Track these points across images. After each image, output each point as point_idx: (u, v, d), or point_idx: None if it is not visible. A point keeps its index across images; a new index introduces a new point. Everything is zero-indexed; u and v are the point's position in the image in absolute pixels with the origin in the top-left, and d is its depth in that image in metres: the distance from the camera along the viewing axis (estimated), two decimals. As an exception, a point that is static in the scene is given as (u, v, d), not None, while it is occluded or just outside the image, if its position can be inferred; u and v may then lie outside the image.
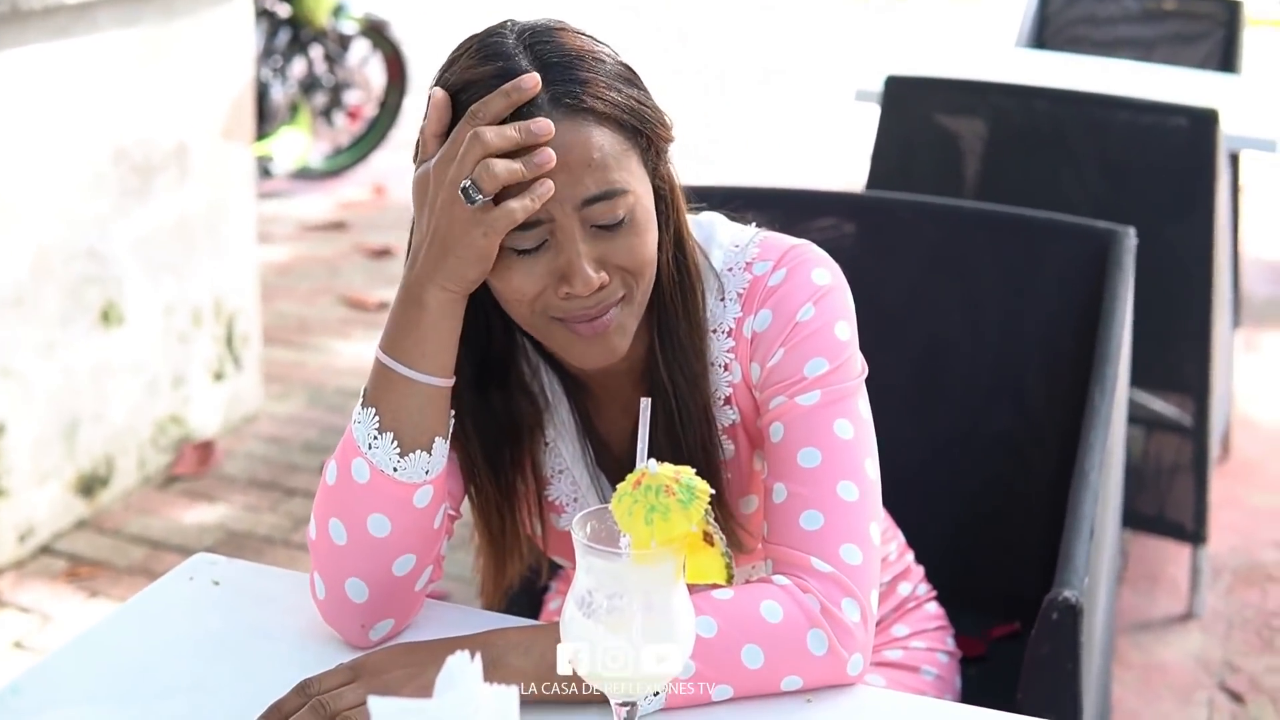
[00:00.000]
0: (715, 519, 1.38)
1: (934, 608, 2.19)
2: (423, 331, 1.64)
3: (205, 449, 4.54)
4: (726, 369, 1.78)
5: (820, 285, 1.75)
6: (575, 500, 1.87)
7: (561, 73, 1.60)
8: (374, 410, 1.65)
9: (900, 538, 2.15)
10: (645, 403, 1.50)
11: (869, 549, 1.67)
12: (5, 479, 3.85)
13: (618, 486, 1.36)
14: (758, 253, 1.78)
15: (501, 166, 1.55)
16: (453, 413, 1.70)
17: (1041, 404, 2.46)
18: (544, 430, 1.85)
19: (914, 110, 3.73)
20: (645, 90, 1.67)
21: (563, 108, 1.58)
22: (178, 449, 4.50)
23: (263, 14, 7.10)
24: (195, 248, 4.50)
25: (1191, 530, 3.74)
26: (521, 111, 1.57)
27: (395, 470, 1.64)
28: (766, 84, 10.26)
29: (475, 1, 7.41)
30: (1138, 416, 3.61)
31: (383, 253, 6.51)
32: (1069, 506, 2.03)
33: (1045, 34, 5.48)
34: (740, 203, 1.95)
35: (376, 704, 1.16)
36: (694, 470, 1.36)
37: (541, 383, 1.84)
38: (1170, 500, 3.75)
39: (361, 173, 7.76)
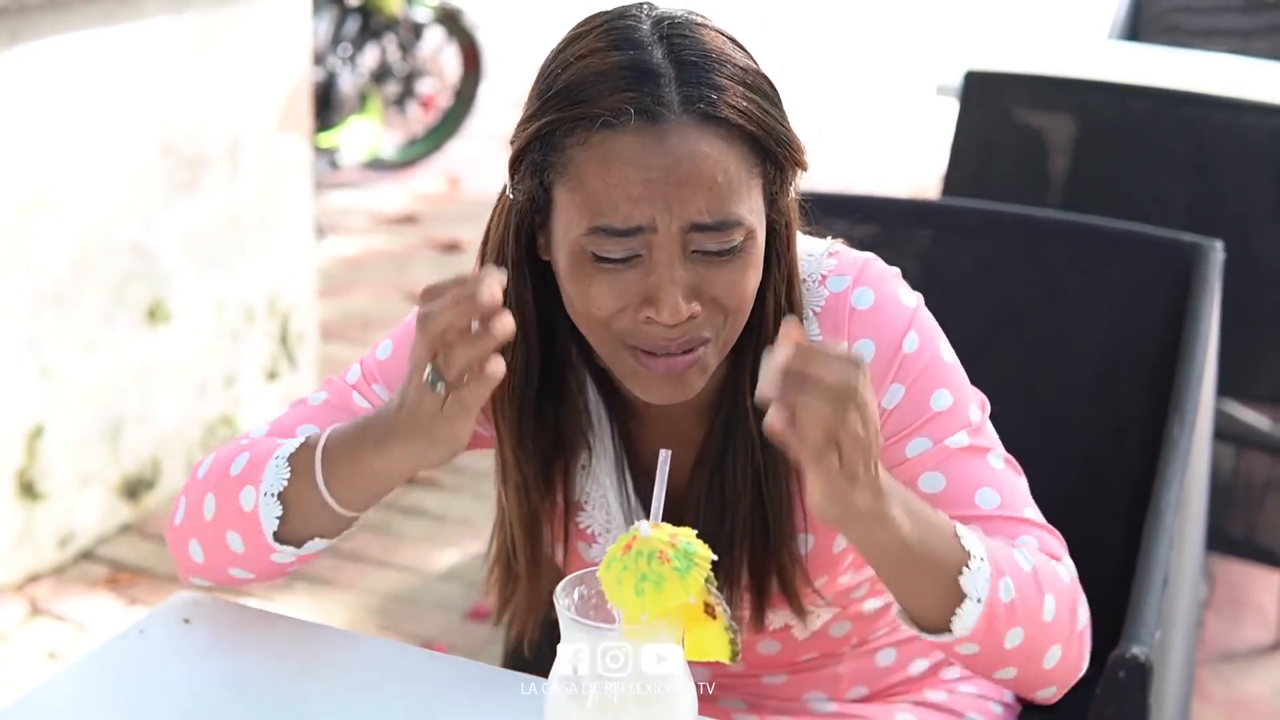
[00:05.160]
0: (719, 587, 1.22)
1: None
2: (363, 476, 1.52)
3: (257, 451, 4.40)
4: None
5: (910, 307, 1.62)
6: (608, 532, 1.71)
7: (697, 74, 1.45)
8: (289, 474, 1.54)
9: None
10: (664, 455, 1.36)
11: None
12: (43, 481, 3.73)
13: (608, 549, 1.20)
14: (833, 265, 1.63)
15: (460, 354, 1.38)
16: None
17: (1118, 428, 2.30)
18: (581, 452, 1.69)
19: (996, 108, 3.56)
20: (782, 109, 1.52)
21: (694, 113, 1.44)
22: (228, 451, 4.37)
23: (332, 1, 6.98)
24: (247, 243, 4.36)
25: (1282, 555, 3.55)
26: (649, 111, 1.42)
27: (264, 533, 1.56)
28: (844, 75, 10.08)
29: (552, -10, 7.24)
30: (1228, 431, 3.42)
31: (452, 247, 6.37)
32: (1141, 551, 1.89)
33: (1140, 22, 5.28)
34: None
35: None
36: (695, 531, 1.20)
37: (586, 399, 1.67)
38: (1260, 523, 3.56)
39: (436, 163, 7.63)
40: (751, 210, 1.47)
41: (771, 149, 1.49)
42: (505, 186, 1.56)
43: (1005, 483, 1.61)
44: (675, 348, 1.48)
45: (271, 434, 1.65)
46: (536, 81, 1.52)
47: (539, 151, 1.49)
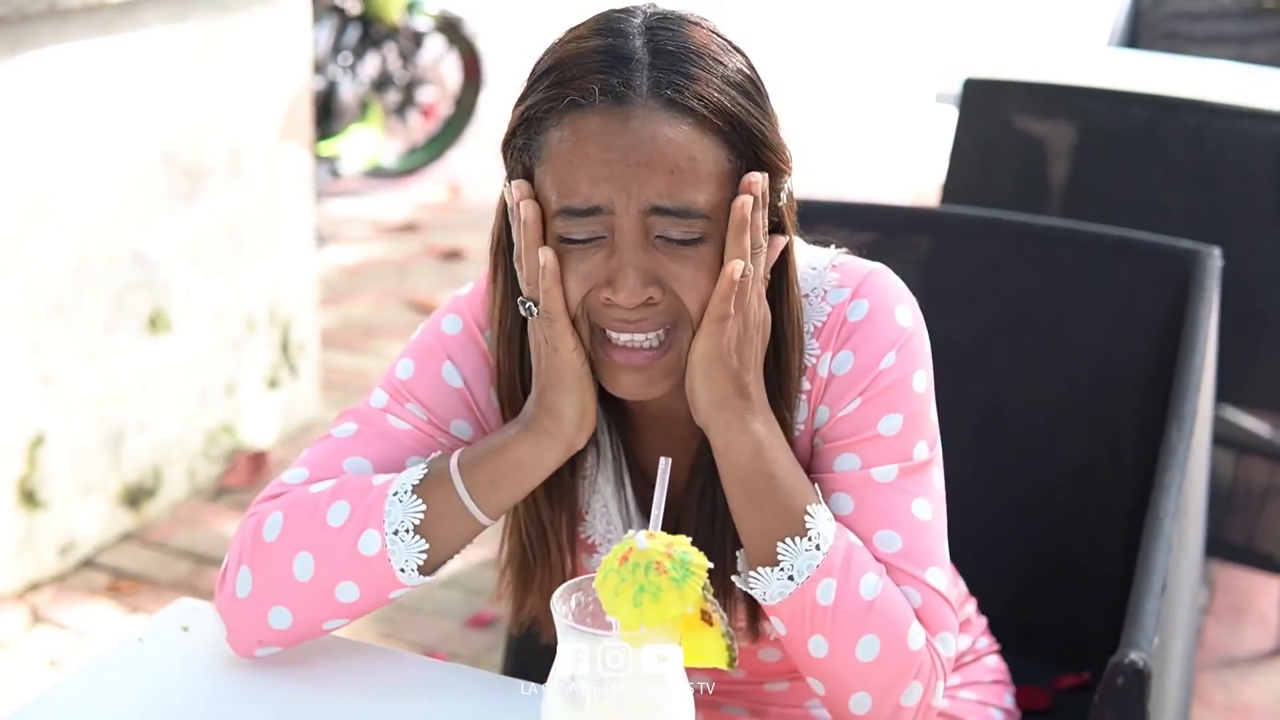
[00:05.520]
0: (714, 594, 1.22)
1: (994, 661, 2.03)
2: (507, 472, 1.54)
3: (258, 460, 4.41)
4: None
5: (903, 328, 1.59)
6: (608, 541, 1.71)
7: (671, 63, 1.46)
8: (422, 505, 1.53)
9: (962, 585, 1.98)
10: (664, 463, 1.38)
11: (956, 631, 1.59)
12: (44, 490, 3.73)
13: (604, 560, 1.20)
14: (836, 279, 1.62)
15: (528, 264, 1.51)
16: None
17: (1117, 437, 2.30)
18: (584, 459, 1.68)
19: (995, 115, 3.56)
20: (767, 110, 1.51)
21: (661, 99, 1.44)
22: (230, 459, 4.38)
23: (332, 10, 6.98)
24: (248, 252, 4.37)
25: (1282, 561, 3.54)
26: (614, 93, 1.44)
27: (402, 570, 1.53)
28: (844, 83, 10.07)
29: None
30: (1228, 437, 3.42)
31: (453, 254, 6.37)
32: (1139, 558, 1.87)
33: (1140, 29, 5.28)
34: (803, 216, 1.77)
35: None
36: (690, 540, 1.20)
37: None
38: (1261, 529, 3.55)
39: (438, 172, 7.64)
40: (721, 202, 1.47)
41: (744, 146, 1.48)
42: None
43: (917, 533, 1.56)
44: (636, 329, 1.49)
45: (315, 476, 1.62)
46: (529, 71, 1.55)
47: (523, 135, 1.51)
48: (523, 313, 1.52)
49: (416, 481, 1.54)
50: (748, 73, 1.52)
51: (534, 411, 1.54)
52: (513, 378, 1.61)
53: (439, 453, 1.59)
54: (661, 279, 1.47)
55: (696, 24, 1.52)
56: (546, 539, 1.67)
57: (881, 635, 1.49)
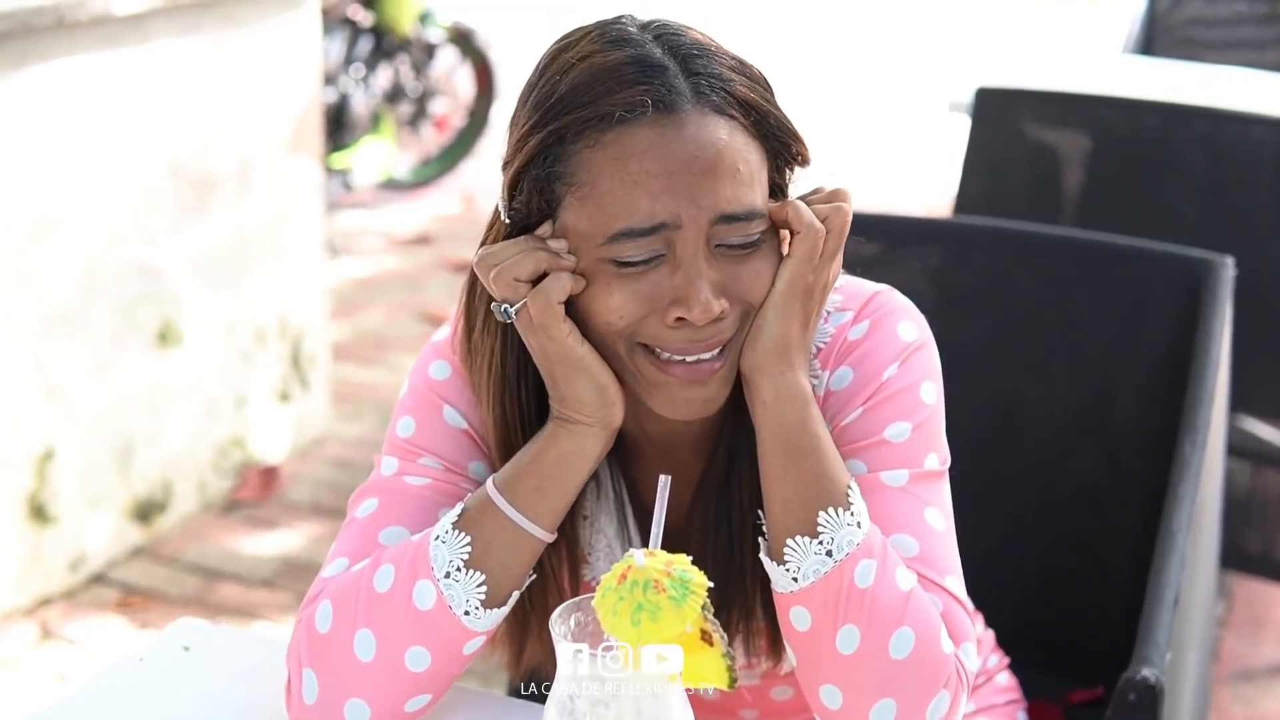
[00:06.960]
0: (714, 614, 1.20)
1: (1005, 679, 1.99)
2: (550, 473, 1.47)
3: (269, 473, 4.40)
4: None
5: (907, 342, 1.55)
6: None
7: (700, 65, 1.41)
8: (467, 538, 1.45)
9: (968, 601, 1.95)
10: (664, 480, 1.33)
11: (975, 644, 1.49)
12: (53, 505, 3.72)
13: (602, 579, 1.18)
14: (840, 301, 1.58)
15: (510, 265, 1.44)
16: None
17: (1128, 448, 2.28)
18: (585, 499, 1.61)
19: (1008, 124, 3.54)
20: (778, 104, 1.48)
21: (707, 102, 1.40)
22: (240, 473, 4.37)
23: (344, 22, 6.98)
24: (258, 265, 4.36)
25: (1301, 573, 3.52)
26: (664, 102, 1.38)
27: (466, 614, 1.44)
28: (857, 92, 10.05)
29: (563, 6, 7.23)
30: (1243, 447, 3.40)
31: (466, 266, 6.31)
32: (1151, 572, 1.85)
33: (1155, 35, 5.26)
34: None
35: None
36: (689, 558, 1.18)
37: None
38: (1278, 539, 3.53)
39: (450, 183, 7.63)
40: (765, 199, 1.44)
41: (776, 140, 1.46)
42: (497, 213, 1.50)
43: (934, 541, 1.48)
44: (704, 348, 1.43)
45: (354, 560, 1.53)
46: (529, 96, 1.46)
47: (542, 164, 1.43)
48: (499, 317, 1.45)
49: (455, 518, 1.46)
50: (752, 64, 1.48)
51: (556, 408, 1.47)
52: (519, 426, 1.54)
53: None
54: (728, 288, 1.42)
55: (688, 26, 1.48)
56: (546, 583, 1.59)
57: (917, 631, 1.39)
